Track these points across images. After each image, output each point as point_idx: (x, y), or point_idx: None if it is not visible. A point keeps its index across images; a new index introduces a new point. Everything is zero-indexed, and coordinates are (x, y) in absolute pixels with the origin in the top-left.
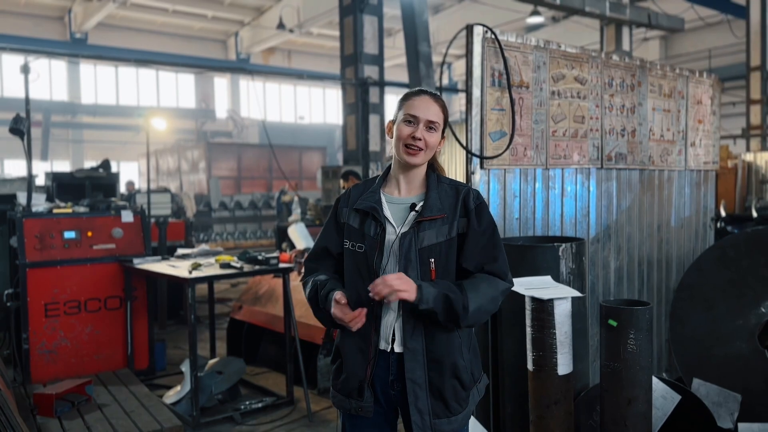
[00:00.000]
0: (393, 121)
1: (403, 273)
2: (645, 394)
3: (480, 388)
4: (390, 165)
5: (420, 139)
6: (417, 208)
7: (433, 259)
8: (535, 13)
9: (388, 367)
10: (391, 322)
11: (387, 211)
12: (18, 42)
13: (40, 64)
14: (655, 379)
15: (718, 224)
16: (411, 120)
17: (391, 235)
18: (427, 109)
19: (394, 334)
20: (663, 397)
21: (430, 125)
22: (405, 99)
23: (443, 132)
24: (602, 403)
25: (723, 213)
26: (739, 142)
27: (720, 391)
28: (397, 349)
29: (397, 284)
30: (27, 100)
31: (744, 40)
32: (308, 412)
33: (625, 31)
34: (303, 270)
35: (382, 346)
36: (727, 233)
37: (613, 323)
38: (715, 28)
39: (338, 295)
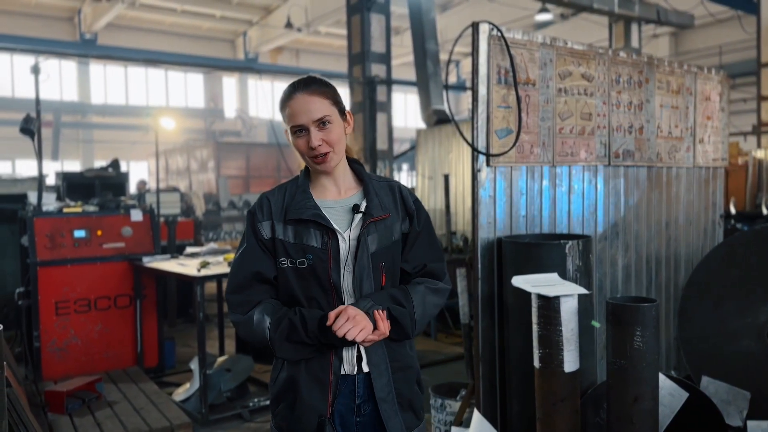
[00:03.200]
0: (287, 131)
1: (358, 283)
2: (652, 391)
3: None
4: (306, 167)
5: (320, 145)
6: (362, 209)
7: (383, 263)
8: (543, 10)
9: (353, 392)
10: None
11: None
12: (28, 43)
13: (50, 65)
14: (662, 377)
15: (731, 222)
16: (298, 130)
17: (342, 242)
18: (306, 111)
19: (359, 353)
20: (670, 394)
21: (320, 123)
22: (282, 107)
23: (343, 111)
24: (609, 400)
25: (733, 210)
26: (749, 139)
27: (729, 389)
28: (365, 368)
29: (353, 330)
30: (37, 100)
31: (755, 36)
32: None
33: (634, 27)
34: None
35: (347, 370)
36: (736, 231)
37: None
38: (726, 24)
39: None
